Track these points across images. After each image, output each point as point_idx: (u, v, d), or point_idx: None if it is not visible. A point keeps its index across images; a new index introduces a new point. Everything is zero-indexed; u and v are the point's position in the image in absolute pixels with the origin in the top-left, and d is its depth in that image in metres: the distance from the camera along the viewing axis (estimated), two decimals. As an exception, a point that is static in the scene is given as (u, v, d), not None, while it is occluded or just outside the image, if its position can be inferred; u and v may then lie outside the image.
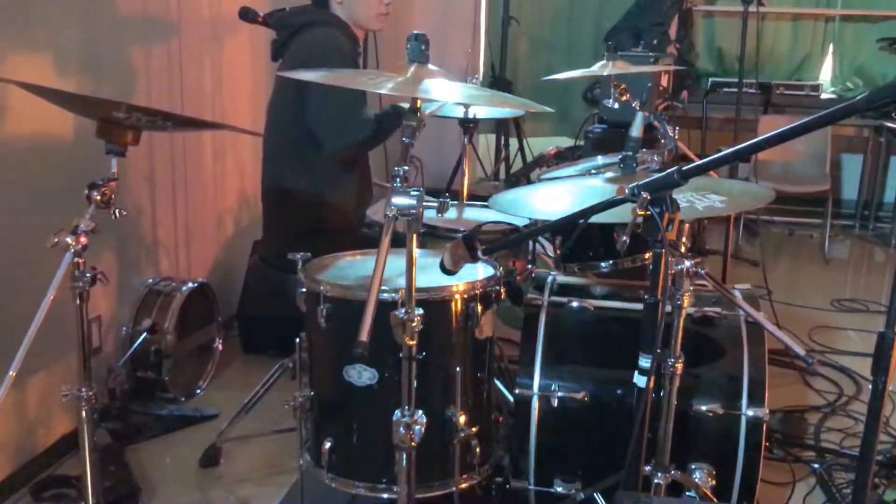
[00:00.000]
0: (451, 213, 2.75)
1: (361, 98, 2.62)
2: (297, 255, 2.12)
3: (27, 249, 2.36)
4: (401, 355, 1.64)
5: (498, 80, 5.61)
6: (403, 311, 1.61)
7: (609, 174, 2.28)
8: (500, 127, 5.79)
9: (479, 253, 1.82)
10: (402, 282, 1.66)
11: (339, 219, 2.69)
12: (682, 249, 1.85)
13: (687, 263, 1.77)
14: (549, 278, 2.33)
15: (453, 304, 2.00)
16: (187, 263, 3.38)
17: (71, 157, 2.55)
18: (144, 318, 2.96)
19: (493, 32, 5.88)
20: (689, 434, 2.02)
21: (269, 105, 2.74)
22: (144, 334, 2.92)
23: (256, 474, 2.62)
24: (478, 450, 2.05)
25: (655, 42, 5.03)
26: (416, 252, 1.62)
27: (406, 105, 1.69)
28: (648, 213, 1.44)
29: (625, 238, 1.49)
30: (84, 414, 1.83)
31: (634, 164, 2.25)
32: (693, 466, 1.97)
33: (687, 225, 2.34)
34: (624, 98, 2.70)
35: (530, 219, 2.40)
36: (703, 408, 2.03)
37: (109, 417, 2.79)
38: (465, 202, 2.86)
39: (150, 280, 3.08)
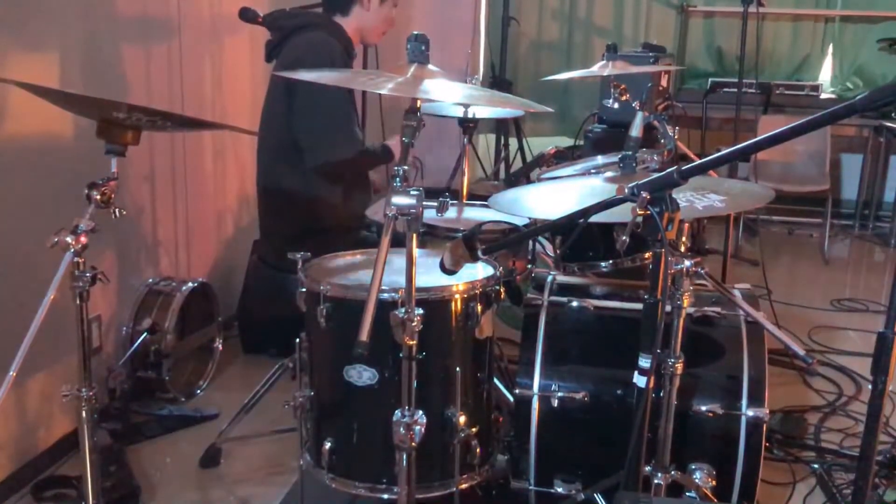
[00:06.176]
0: (451, 213, 2.75)
1: (349, 114, 2.62)
2: (297, 255, 2.12)
3: (27, 249, 2.36)
4: (401, 355, 1.64)
5: (498, 80, 5.62)
6: (403, 310, 1.61)
7: (609, 174, 2.28)
8: (500, 127, 5.80)
9: (479, 252, 1.82)
10: (401, 281, 1.66)
11: (334, 220, 2.69)
12: (682, 249, 1.85)
13: (686, 263, 1.76)
14: (549, 278, 2.33)
15: (453, 303, 2.00)
16: (187, 263, 3.38)
17: (71, 157, 2.55)
18: (144, 318, 2.96)
19: (493, 32, 5.89)
20: (689, 434, 2.02)
21: (263, 106, 2.75)
22: (144, 334, 2.92)
23: (256, 474, 2.62)
24: (478, 450, 2.04)
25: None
26: (416, 252, 1.62)
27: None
28: (648, 212, 1.44)
29: (625, 238, 1.49)
30: (84, 414, 1.83)
31: (634, 164, 2.25)
32: (693, 467, 1.97)
33: (687, 224, 2.34)
34: (624, 98, 2.70)
35: (530, 218, 2.40)
36: (703, 408, 2.03)
37: (109, 417, 2.79)
38: (464, 202, 2.86)
39: (150, 280, 3.08)
